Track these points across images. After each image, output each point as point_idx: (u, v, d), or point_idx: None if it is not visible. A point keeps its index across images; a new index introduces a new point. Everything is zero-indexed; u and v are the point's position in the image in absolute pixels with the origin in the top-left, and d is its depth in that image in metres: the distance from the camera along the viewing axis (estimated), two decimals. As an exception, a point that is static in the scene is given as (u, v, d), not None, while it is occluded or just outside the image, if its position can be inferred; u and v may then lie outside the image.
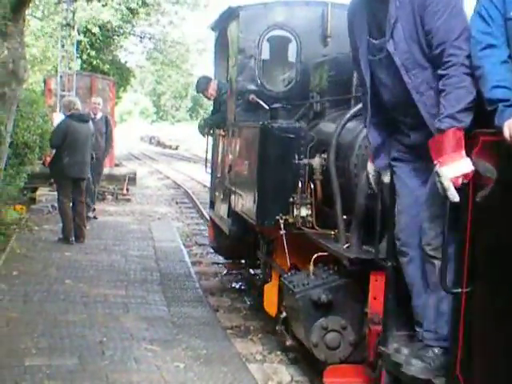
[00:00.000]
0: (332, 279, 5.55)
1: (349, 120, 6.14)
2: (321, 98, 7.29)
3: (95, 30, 24.52)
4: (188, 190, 20.88)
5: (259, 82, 8.07)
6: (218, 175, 9.08)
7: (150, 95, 79.25)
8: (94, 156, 12.03)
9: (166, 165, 34.48)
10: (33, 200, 14.81)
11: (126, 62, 31.14)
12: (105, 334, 6.37)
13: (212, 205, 9.64)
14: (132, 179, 19.53)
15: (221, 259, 10.75)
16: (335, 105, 7.12)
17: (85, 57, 24.61)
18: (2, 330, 6.36)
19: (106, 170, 19.16)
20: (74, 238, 10.64)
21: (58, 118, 11.26)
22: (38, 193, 15.13)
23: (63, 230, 10.78)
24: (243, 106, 8.05)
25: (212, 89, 9.43)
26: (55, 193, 11.71)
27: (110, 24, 25.17)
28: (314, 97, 7.38)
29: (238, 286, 9.58)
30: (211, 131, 9.60)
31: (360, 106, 5.92)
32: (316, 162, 6.49)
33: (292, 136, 6.59)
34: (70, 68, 20.19)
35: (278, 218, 6.42)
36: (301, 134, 6.62)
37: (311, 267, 5.80)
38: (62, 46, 21.02)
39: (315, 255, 5.79)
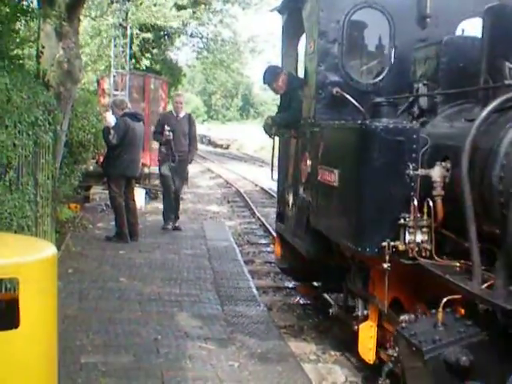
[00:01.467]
0: (472, 333, 3.92)
1: (487, 118, 4.21)
2: (429, 90, 5.37)
3: (149, 27, 23.11)
4: (240, 189, 20.36)
5: (344, 72, 6.20)
6: (289, 184, 7.21)
7: (201, 94, 77.72)
8: (177, 158, 11.18)
9: (217, 164, 33.50)
10: (87, 198, 14.42)
11: (176, 62, 29.66)
12: (159, 332, 6.16)
13: (280, 217, 7.79)
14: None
15: (273, 258, 10.13)
16: (451, 99, 5.21)
17: (138, 54, 23.15)
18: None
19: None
20: (129, 237, 10.23)
21: (110, 117, 10.23)
22: (91, 191, 14.69)
23: (117, 228, 10.36)
24: (325, 101, 6.22)
25: (282, 81, 7.55)
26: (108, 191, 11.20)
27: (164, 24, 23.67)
28: (419, 89, 5.45)
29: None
30: (279, 132, 7.68)
31: (502, 98, 4.03)
32: (436, 173, 4.60)
33: (403, 139, 4.72)
34: (123, 68, 18.95)
35: (384, 244, 4.64)
36: (413, 137, 4.74)
37: (440, 314, 4.08)
38: (115, 45, 19.80)
39: (446, 298, 4.12)
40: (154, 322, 6.47)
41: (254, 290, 7.98)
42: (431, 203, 4.52)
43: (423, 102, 5.42)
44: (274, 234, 8.83)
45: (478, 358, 3.84)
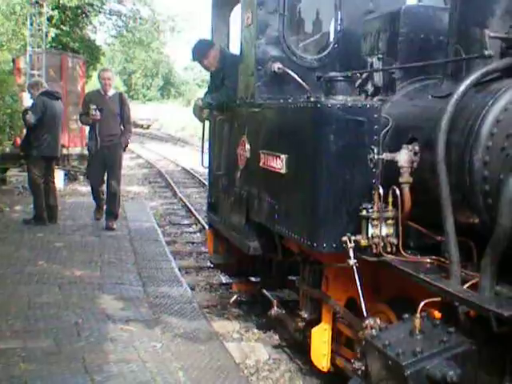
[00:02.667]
0: (457, 342, 3.31)
1: (464, 94, 3.59)
2: (385, 65, 4.74)
3: (70, 3, 21.81)
4: (161, 170, 20.08)
5: (286, 46, 5.48)
6: (224, 171, 6.46)
7: (121, 74, 75.34)
8: (105, 143, 9.73)
9: (137, 144, 32.45)
10: (3, 181, 14.01)
11: (95, 40, 28.29)
12: (80, 316, 5.95)
13: (213, 208, 7.03)
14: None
15: (197, 238, 10.48)
16: (412, 74, 4.59)
17: (53, 34, 21.80)
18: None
19: (77, 150, 17.06)
20: (47, 219, 9.82)
21: (27, 97, 10.04)
22: (8, 174, 14.28)
23: (35, 211, 9.92)
24: (265, 78, 5.49)
25: (213, 57, 6.75)
26: (26, 173, 10.87)
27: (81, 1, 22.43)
28: (373, 64, 4.80)
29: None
30: (211, 114, 6.91)
31: (483, 71, 3.44)
32: (403, 157, 3.96)
33: (363, 119, 4.07)
34: (39, 46, 17.98)
35: (344, 239, 3.96)
36: (375, 117, 4.10)
37: (417, 321, 3.45)
38: (31, 23, 18.81)
39: (424, 302, 3.50)
40: (74, 305, 6.27)
41: (177, 271, 7.76)
42: (398, 192, 3.89)
43: (378, 78, 4.77)
44: (207, 227, 8.07)
45: (464, 372, 3.24)
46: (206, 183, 16.76)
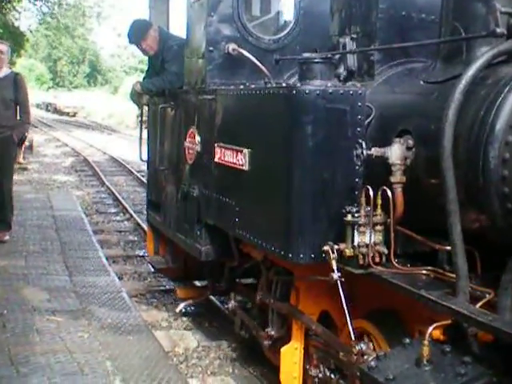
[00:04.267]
0: (476, 375, 2.69)
1: (474, 78, 2.99)
2: (359, 46, 4.10)
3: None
4: (88, 158, 19.44)
5: (241, 24, 4.78)
6: (167, 165, 5.71)
7: (46, 61, 72.28)
8: None
9: (63, 132, 31.29)
10: None
11: (18, 27, 26.70)
12: (5, 307, 5.70)
13: (153, 207, 6.27)
14: (28, 147, 17.92)
15: (125, 227, 10.28)
16: (393, 57, 3.97)
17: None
18: None
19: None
20: None
21: None
22: None
23: None
24: (218, 61, 4.78)
25: (152, 39, 5.98)
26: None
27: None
28: (346, 46, 4.16)
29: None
30: (151, 100, 6.13)
31: (494, 51, 2.87)
32: (395, 152, 3.32)
33: (346, 108, 3.42)
34: None
35: (326, 248, 3.29)
36: (358, 105, 3.45)
37: (425, 349, 2.78)
38: None
39: (434, 325, 2.87)
40: (-2, 296, 5.89)
41: (104, 260, 7.52)
42: (389, 193, 3.26)
43: (352, 61, 4.14)
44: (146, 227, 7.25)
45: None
46: (134, 171, 16.54)
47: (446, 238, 3.09)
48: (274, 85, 4.07)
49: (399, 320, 3.52)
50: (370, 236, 3.31)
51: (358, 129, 3.46)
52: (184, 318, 6.23)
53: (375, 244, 3.33)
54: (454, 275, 3.01)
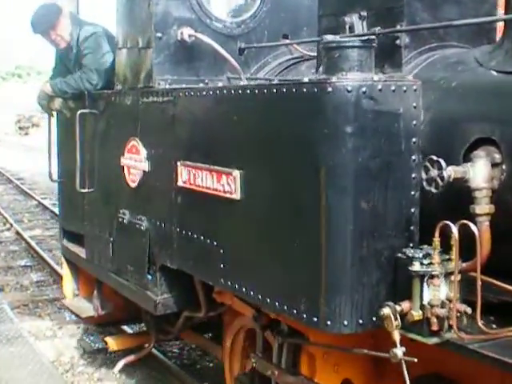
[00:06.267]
0: None
1: None
2: (370, 27, 3.14)
3: None
4: None
5: (197, 3, 3.74)
6: (95, 188, 4.53)
7: None
8: None
9: None
10: None
11: None
12: None
13: (71, 238, 5.07)
14: None
15: (5, 237, 10.04)
16: (421, 41, 3.05)
17: None
18: None
19: None
20: None
21: None
22: None
23: None
24: (169, 51, 3.70)
25: (63, 27, 4.79)
26: None
27: None
28: (353, 27, 3.19)
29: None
30: (66, 105, 4.89)
31: None
32: (480, 171, 2.39)
33: (398, 110, 2.47)
34: None
35: (386, 311, 2.34)
36: (412, 106, 2.53)
37: None
38: None
39: None
40: None
41: None
42: (474, 229, 2.33)
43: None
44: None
45: None
46: (13, 179, 15.07)
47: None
48: (264, 81, 3.06)
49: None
50: (443, 290, 2.39)
51: (414, 139, 2.53)
52: (69, 326, 6.18)
53: (450, 300, 2.40)
54: None
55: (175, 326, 4.43)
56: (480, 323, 2.38)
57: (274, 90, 2.65)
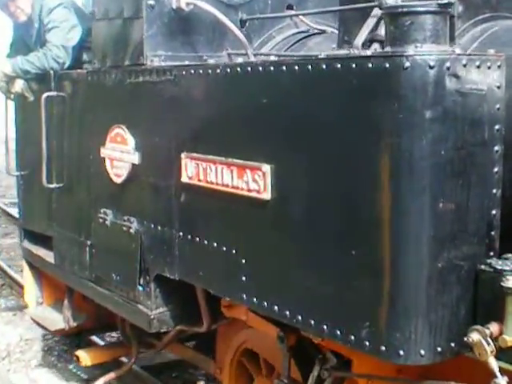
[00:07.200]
0: None
1: None
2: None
3: None
4: None
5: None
6: (66, 184, 3.97)
7: None
8: None
9: None
10: None
11: None
12: None
13: (34, 240, 4.50)
14: None
15: None
16: (474, 11, 2.63)
17: None
18: None
19: None
20: None
21: None
22: None
23: None
24: (163, 23, 3.18)
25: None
26: None
27: None
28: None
29: None
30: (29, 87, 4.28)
31: None
32: None
33: (483, 91, 2.02)
34: None
35: (476, 337, 1.93)
36: (496, 86, 2.09)
37: None
38: None
39: None
40: None
41: None
42: None
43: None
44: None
45: None
46: None
47: None
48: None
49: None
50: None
51: (497, 126, 2.10)
52: (4, 314, 6.10)
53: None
54: None
55: (162, 338, 3.94)
56: None
57: (324, 66, 2.17)
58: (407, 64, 1.94)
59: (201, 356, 4.17)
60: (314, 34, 3.48)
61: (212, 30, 3.30)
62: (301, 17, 3.51)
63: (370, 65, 2.02)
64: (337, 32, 2.99)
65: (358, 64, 2.05)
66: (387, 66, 1.98)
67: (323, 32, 3.48)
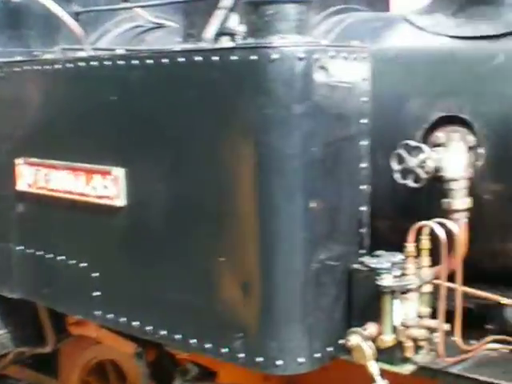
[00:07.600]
0: None
1: None
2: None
3: None
4: None
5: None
6: None
7: None
8: None
9: None
10: None
11: None
12: None
13: None
14: None
15: None
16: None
17: None
18: None
19: None
20: None
21: None
22: None
23: None
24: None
25: None
26: None
27: None
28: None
29: None
30: None
31: None
32: (455, 158, 1.97)
33: (352, 83, 1.97)
34: None
35: (355, 340, 1.94)
36: (362, 79, 2.04)
37: None
38: None
39: None
40: None
41: None
42: (454, 229, 1.91)
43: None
44: None
45: None
46: None
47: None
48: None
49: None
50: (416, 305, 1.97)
51: (363, 120, 2.05)
52: None
53: (420, 316, 1.99)
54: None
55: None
56: (459, 340, 1.97)
57: (182, 59, 2.00)
58: (274, 56, 1.82)
59: (43, 377, 3.83)
60: (153, 28, 3.30)
61: (43, 24, 3.01)
62: (139, 10, 3.31)
63: (235, 57, 1.88)
64: (177, 26, 2.85)
65: (221, 56, 1.91)
66: (253, 58, 1.85)
67: (162, 26, 3.31)
